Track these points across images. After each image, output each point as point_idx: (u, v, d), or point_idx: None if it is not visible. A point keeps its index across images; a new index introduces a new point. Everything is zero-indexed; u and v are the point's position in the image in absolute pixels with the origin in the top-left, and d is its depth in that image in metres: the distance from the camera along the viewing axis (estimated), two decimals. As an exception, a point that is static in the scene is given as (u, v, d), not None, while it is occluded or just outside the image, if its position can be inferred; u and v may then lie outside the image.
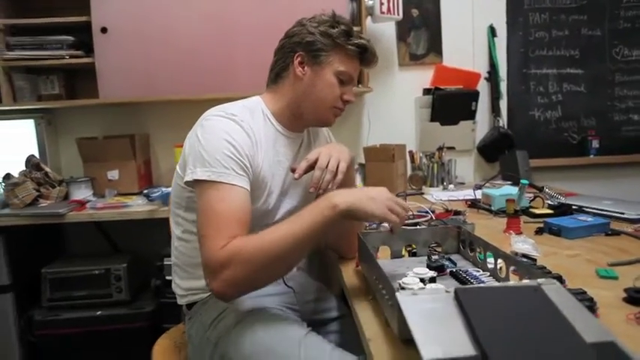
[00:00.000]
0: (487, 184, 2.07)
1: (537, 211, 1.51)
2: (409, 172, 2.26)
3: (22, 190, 1.87)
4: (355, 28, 2.05)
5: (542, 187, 1.59)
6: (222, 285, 0.84)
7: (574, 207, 1.51)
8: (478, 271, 0.95)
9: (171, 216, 1.13)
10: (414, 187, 2.19)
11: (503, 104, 2.43)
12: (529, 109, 2.45)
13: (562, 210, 1.50)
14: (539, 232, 1.32)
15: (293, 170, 1.03)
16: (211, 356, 0.96)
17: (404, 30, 2.39)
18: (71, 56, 2.06)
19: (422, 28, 2.38)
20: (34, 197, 1.90)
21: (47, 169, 2.00)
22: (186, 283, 1.09)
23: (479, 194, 1.76)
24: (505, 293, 0.67)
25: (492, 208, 1.60)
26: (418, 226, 1.31)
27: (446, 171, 2.15)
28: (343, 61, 1.08)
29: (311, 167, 1.01)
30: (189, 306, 1.09)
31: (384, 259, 1.10)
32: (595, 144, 2.44)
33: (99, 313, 1.96)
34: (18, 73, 2.11)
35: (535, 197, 1.65)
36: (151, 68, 2.07)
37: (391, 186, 2.05)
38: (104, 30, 2.02)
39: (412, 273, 0.91)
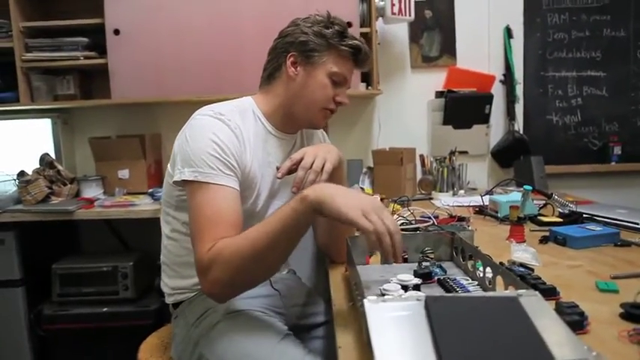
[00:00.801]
0: (499, 190, 2.01)
1: (545, 219, 1.45)
2: (419, 176, 2.22)
3: (34, 187, 1.92)
4: (365, 30, 2.09)
5: (552, 194, 1.53)
6: (209, 286, 0.85)
7: (585, 215, 1.44)
8: (467, 280, 0.91)
9: (162, 215, 1.13)
10: (423, 192, 2.15)
11: (519, 108, 2.35)
12: (546, 114, 2.37)
13: (572, 218, 1.44)
14: (543, 240, 1.26)
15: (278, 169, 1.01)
16: (191, 355, 0.96)
17: (416, 31, 2.34)
18: (85, 57, 2.10)
19: (435, 30, 2.34)
20: (46, 194, 1.94)
21: (60, 167, 2.05)
22: (173, 282, 1.09)
23: (488, 200, 1.70)
24: (478, 303, 0.64)
25: (499, 214, 1.54)
26: (417, 232, 1.28)
27: (456, 176, 2.10)
28: (337, 62, 1.07)
29: (296, 167, 0.99)
30: (176, 305, 1.08)
31: (374, 264, 1.07)
32: (617, 150, 2.33)
33: (105, 309, 1.98)
34: (36, 73, 2.17)
35: (545, 204, 1.59)
36: (162, 69, 2.10)
37: (398, 190, 2.01)
38: (117, 32, 2.06)
39: (396, 279, 0.88)
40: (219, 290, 0.86)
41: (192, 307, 1.03)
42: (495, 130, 2.38)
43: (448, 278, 0.92)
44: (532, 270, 1.00)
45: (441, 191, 2.09)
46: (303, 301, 1.15)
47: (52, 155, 2.19)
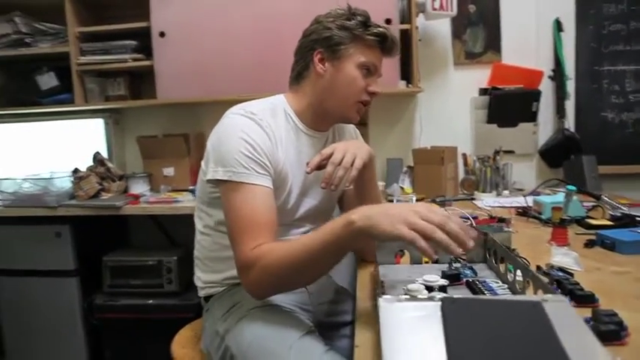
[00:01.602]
0: (546, 191, 1.92)
1: (594, 222, 1.37)
2: (462, 175, 2.15)
3: (86, 183, 2.04)
4: (405, 27, 2.05)
5: (601, 196, 1.43)
6: (248, 284, 0.90)
7: (639, 219, 1.35)
8: (497, 283, 0.87)
9: (195, 211, 1.17)
10: (465, 192, 2.09)
11: (570, 105, 2.22)
12: (601, 110, 2.22)
13: (624, 222, 1.35)
14: (589, 244, 1.19)
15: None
16: (218, 348, 0.98)
17: (459, 27, 2.27)
18: (133, 59, 2.21)
19: (479, 25, 2.26)
20: (97, 190, 2.06)
21: (110, 165, 2.16)
22: (205, 276, 1.12)
23: (532, 202, 1.62)
24: (498, 307, 0.61)
25: (542, 216, 1.47)
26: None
27: (500, 176, 2.02)
28: (364, 52, 1.06)
29: (326, 162, 0.98)
30: (207, 299, 1.11)
31: (404, 264, 1.05)
32: (679, 150, 2.16)
33: (151, 301, 2.07)
34: (89, 76, 2.30)
35: (594, 207, 1.50)
36: (206, 70, 2.16)
37: (439, 189, 1.97)
38: (162, 34, 2.15)
39: (422, 280, 0.86)
40: (258, 290, 0.90)
41: (222, 301, 1.05)
42: (544, 129, 2.27)
43: (477, 280, 0.88)
44: (571, 275, 0.95)
45: (483, 191, 2.02)
46: (331, 298, 1.15)
47: (104, 153, 2.32)
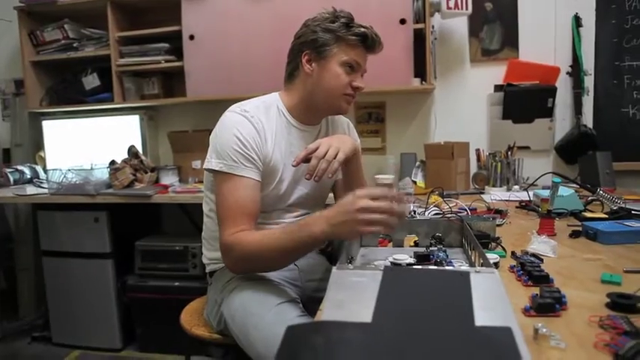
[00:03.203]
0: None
1: (588, 215, 1.39)
2: (474, 170, 2.19)
3: (121, 174, 2.23)
4: (420, 26, 2.10)
5: (596, 189, 1.45)
6: (228, 263, 1.06)
7: (634, 212, 1.36)
8: (461, 263, 0.95)
9: (204, 196, 1.30)
10: (477, 186, 2.12)
11: (589, 101, 2.21)
12: (621, 106, 2.19)
13: (620, 215, 1.36)
14: (573, 235, 1.22)
15: None
16: (216, 315, 1.12)
17: (476, 25, 2.31)
18: (166, 61, 2.39)
19: (496, 22, 2.28)
20: (131, 180, 2.25)
21: (143, 157, 2.35)
22: (210, 254, 1.25)
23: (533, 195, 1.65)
24: (430, 276, 0.69)
25: (540, 209, 1.50)
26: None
27: (511, 171, 2.04)
28: (346, 51, 1.15)
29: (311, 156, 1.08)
30: (211, 274, 1.24)
31: (389, 248, 1.14)
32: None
33: (177, 284, 2.25)
34: (127, 76, 2.50)
35: (591, 200, 1.52)
36: (231, 69, 2.31)
37: (449, 183, 2.02)
38: (192, 37, 2.31)
39: (392, 258, 0.95)
40: (236, 268, 1.08)
41: (222, 276, 1.18)
42: (562, 125, 2.26)
43: (444, 260, 0.96)
44: (541, 260, 1.01)
45: (494, 186, 2.05)
46: (320, 276, 1.25)
47: (139, 147, 2.51)
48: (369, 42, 1.16)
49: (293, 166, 1.10)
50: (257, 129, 1.12)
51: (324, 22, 1.15)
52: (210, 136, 1.16)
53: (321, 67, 1.16)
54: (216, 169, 1.08)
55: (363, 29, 1.15)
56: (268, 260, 1.01)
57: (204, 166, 1.13)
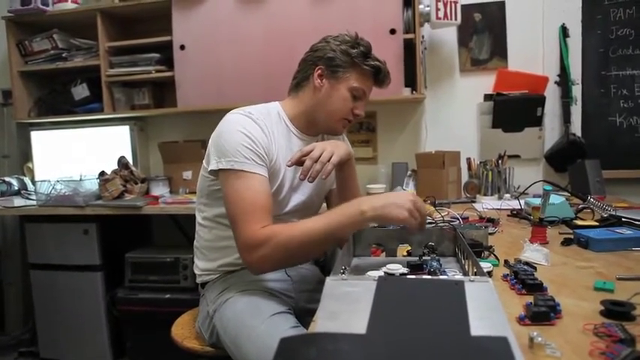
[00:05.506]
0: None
1: (580, 223, 1.40)
2: (466, 179, 2.20)
3: (111, 185, 2.21)
4: (409, 36, 2.12)
5: (587, 197, 1.46)
6: (257, 260, 0.99)
7: (624, 219, 1.37)
8: (455, 272, 0.94)
9: (196, 205, 1.29)
10: (468, 195, 2.13)
11: (577, 110, 2.24)
12: (608, 115, 2.22)
13: (610, 222, 1.37)
14: (565, 242, 1.23)
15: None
16: (208, 327, 1.10)
17: (465, 35, 2.33)
18: (157, 71, 2.38)
19: (485, 32, 2.31)
20: (121, 192, 2.23)
21: (133, 168, 2.33)
22: (202, 264, 1.24)
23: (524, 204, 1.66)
24: (424, 285, 0.69)
25: (532, 217, 1.51)
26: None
27: (502, 179, 2.06)
28: (358, 79, 1.18)
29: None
30: (203, 285, 1.23)
31: (382, 257, 1.13)
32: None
33: (168, 296, 2.22)
34: (117, 86, 2.49)
35: (583, 208, 1.53)
36: (222, 79, 2.31)
37: (440, 192, 2.03)
38: (182, 47, 2.31)
39: (385, 268, 0.94)
40: (267, 265, 1.02)
41: (214, 288, 1.17)
42: (551, 134, 2.29)
43: (438, 270, 0.96)
44: (534, 268, 1.01)
45: (485, 195, 2.06)
46: (313, 287, 1.24)
47: (130, 158, 2.49)
48: (380, 76, 1.21)
49: (287, 166, 1.10)
50: (263, 130, 1.12)
51: (344, 44, 1.18)
52: (211, 139, 1.16)
53: (331, 85, 1.18)
54: (227, 167, 1.05)
55: (378, 63, 1.19)
56: (311, 244, 0.99)
57: (209, 168, 1.11)
